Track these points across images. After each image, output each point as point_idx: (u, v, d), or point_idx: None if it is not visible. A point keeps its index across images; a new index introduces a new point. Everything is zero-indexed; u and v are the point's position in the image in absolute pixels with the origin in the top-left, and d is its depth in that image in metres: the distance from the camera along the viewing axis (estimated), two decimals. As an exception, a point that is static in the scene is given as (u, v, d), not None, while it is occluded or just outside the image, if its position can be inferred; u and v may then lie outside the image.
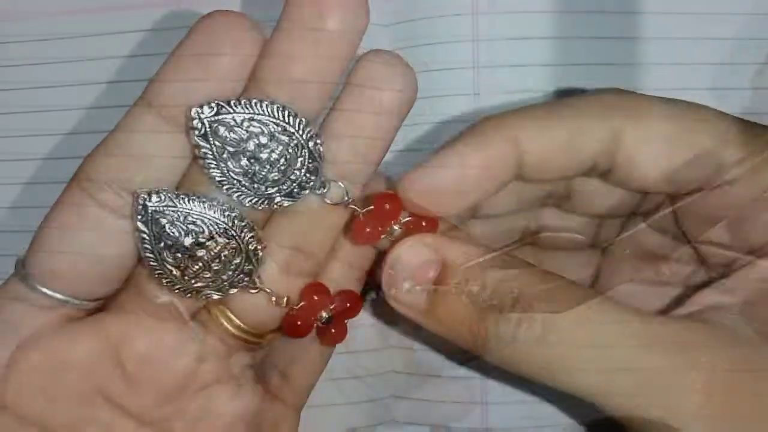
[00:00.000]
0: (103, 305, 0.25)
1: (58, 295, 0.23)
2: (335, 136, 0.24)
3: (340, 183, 0.24)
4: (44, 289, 0.23)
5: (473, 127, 0.25)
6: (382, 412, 0.33)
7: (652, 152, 0.24)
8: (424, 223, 0.25)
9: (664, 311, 0.26)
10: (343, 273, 0.27)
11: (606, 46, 0.33)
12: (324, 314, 0.26)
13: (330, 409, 0.33)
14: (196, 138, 0.22)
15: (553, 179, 0.25)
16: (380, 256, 0.26)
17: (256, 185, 0.22)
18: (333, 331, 0.26)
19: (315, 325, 0.26)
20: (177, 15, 0.33)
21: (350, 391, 0.33)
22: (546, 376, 0.23)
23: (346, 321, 0.27)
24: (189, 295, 0.24)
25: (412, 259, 0.25)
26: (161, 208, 0.22)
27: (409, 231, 0.25)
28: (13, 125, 0.34)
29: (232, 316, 0.25)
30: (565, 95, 0.30)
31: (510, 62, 0.32)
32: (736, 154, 0.23)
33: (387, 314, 0.31)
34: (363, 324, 0.33)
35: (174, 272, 0.23)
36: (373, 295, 0.28)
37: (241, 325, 0.25)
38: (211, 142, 0.22)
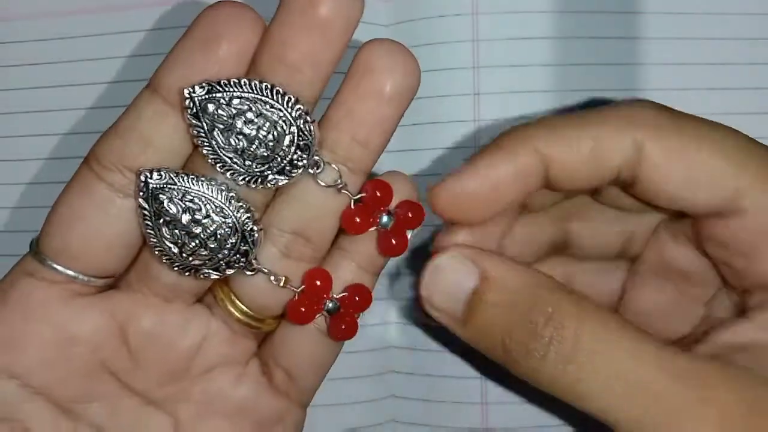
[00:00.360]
0: (112, 284, 0.26)
1: (68, 271, 0.24)
2: (335, 124, 0.24)
3: (333, 165, 0.24)
4: (55, 265, 0.24)
5: (500, 137, 0.25)
6: (382, 412, 0.33)
7: (672, 169, 0.24)
8: (410, 214, 0.26)
9: (684, 342, 0.27)
10: (355, 274, 0.27)
11: (606, 46, 0.33)
12: (330, 304, 0.26)
13: (330, 409, 0.33)
14: (188, 117, 0.23)
15: (579, 189, 0.26)
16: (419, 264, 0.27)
17: (247, 163, 0.23)
18: (343, 327, 0.26)
19: (321, 313, 0.26)
20: (180, 13, 0.33)
21: (350, 391, 0.33)
22: (570, 395, 0.24)
23: (357, 316, 0.27)
24: (188, 273, 0.24)
25: (452, 268, 0.25)
26: (161, 185, 0.23)
27: (398, 221, 0.26)
28: (13, 126, 0.34)
29: (236, 300, 0.26)
30: (594, 105, 0.31)
31: (510, 62, 0.32)
32: (759, 183, 0.24)
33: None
34: (363, 324, 0.33)
35: (172, 249, 0.24)
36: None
37: (245, 308, 0.26)
38: (202, 120, 0.23)
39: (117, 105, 0.33)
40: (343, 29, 0.23)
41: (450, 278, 0.25)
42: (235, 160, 0.23)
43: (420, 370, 0.33)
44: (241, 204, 0.24)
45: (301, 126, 0.23)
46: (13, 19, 0.34)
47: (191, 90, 0.23)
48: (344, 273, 0.26)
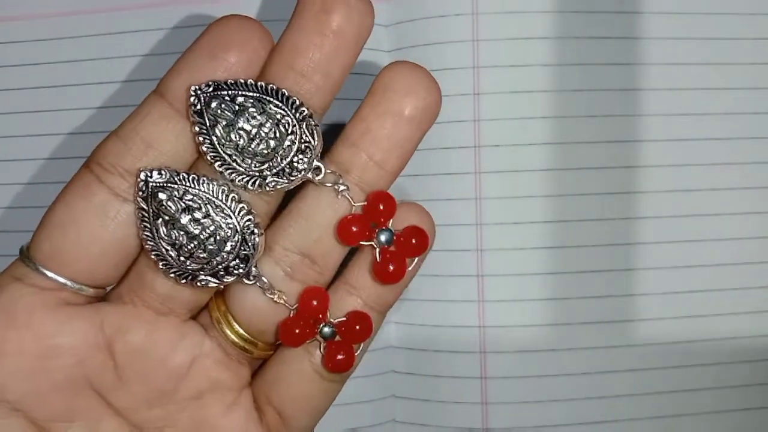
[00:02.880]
0: (103, 297, 0.25)
1: (58, 278, 0.23)
2: (352, 143, 0.24)
3: (329, 168, 0.24)
4: (45, 270, 0.23)
5: None
6: (382, 412, 0.33)
7: None
8: (414, 240, 0.24)
9: None
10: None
11: (606, 46, 0.33)
12: (326, 328, 0.24)
13: (330, 409, 0.33)
14: (192, 113, 0.23)
15: None
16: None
17: (246, 161, 0.23)
18: (339, 357, 0.24)
19: (315, 338, 0.25)
20: (180, 14, 0.33)
21: (350, 391, 0.33)
22: None
23: (356, 347, 0.25)
24: (184, 280, 0.23)
25: None
26: (162, 184, 0.23)
27: (398, 245, 0.25)
28: (13, 126, 0.34)
29: (233, 323, 0.25)
30: None
31: (510, 62, 0.32)
32: None
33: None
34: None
35: (170, 252, 0.23)
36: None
37: (242, 332, 0.25)
38: (205, 116, 0.23)
39: (117, 105, 0.33)
40: (355, 39, 0.23)
41: None
42: (234, 157, 0.23)
43: (420, 370, 0.33)
44: (242, 205, 0.23)
45: (304, 129, 0.23)
46: (14, 20, 0.34)
47: (197, 87, 0.23)
48: (349, 309, 0.25)
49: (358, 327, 0.25)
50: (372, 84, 0.24)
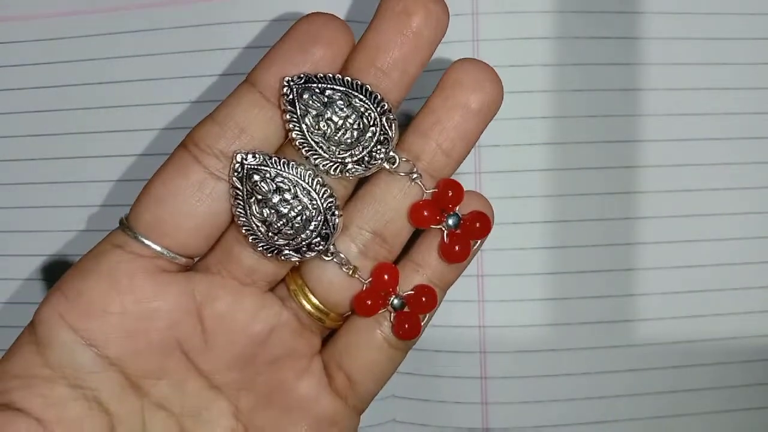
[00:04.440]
0: (191, 267, 0.27)
1: (156, 246, 0.25)
2: (423, 132, 0.26)
3: (402, 156, 0.26)
4: (144, 239, 0.25)
5: None
6: (382, 412, 0.33)
7: None
8: (478, 224, 0.27)
9: None
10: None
11: (606, 46, 0.33)
12: (395, 300, 0.27)
13: (330, 409, 0.33)
14: (284, 102, 0.25)
15: None
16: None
17: (332, 148, 0.25)
18: (407, 326, 0.27)
19: (385, 308, 0.27)
20: (178, 16, 0.33)
21: (350, 391, 0.33)
22: None
23: (422, 317, 0.27)
24: (270, 254, 0.26)
25: None
26: (256, 166, 0.25)
27: (464, 227, 0.26)
28: (15, 127, 0.34)
29: (309, 294, 0.27)
30: None
31: (510, 62, 0.32)
32: None
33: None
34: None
35: (260, 227, 0.25)
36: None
37: (317, 302, 0.27)
38: (297, 106, 0.25)
39: (117, 105, 0.33)
40: (431, 39, 0.25)
41: None
42: (321, 144, 0.25)
43: (420, 370, 0.33)
44: (326, 189, 0.26)
45: (384, 122, 0.25)
46: (14, 20, 0.34)
47: (290, 79, 0.25)
48: (415, 284, 0.27)
49: (424, 299, 0.27)
50: (441, 78, 0.26)
